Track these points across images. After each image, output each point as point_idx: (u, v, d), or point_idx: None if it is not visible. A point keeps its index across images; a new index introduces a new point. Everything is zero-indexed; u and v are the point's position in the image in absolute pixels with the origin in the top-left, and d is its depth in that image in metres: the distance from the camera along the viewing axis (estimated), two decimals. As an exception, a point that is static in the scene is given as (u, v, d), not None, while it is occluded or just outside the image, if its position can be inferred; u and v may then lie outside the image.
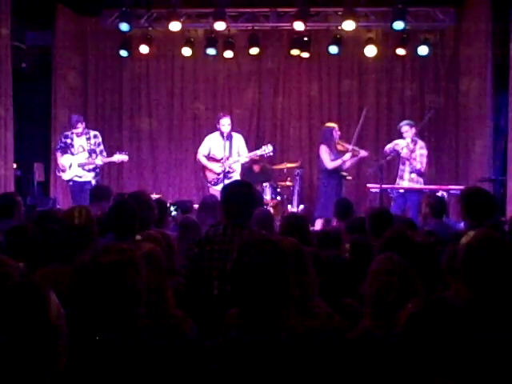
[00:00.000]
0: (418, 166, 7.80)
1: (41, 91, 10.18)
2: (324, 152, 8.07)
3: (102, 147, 8.27)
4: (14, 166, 8.72)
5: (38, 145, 10.15)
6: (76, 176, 8.16)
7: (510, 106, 8.03)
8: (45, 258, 3.35)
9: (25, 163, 9.72)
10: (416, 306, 1.91)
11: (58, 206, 8.85)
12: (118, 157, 8.26)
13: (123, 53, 9.92)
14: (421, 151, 7.87)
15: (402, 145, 7.87)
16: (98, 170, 8.33)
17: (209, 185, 8.49)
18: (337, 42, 9.67)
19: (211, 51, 9.96)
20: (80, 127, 8.15)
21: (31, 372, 1.52)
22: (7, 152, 8.26)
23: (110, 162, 8.64)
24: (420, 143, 7.93)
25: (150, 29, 9.95)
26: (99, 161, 8.19)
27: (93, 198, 6.12)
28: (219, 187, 7.94)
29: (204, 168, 8.50)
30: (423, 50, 9.57)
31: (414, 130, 7.93)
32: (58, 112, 10.06)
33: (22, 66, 9.71)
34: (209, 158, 8.38)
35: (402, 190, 7.94)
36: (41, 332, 1.55)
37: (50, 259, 3.28)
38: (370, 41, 9.72)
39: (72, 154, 8.19)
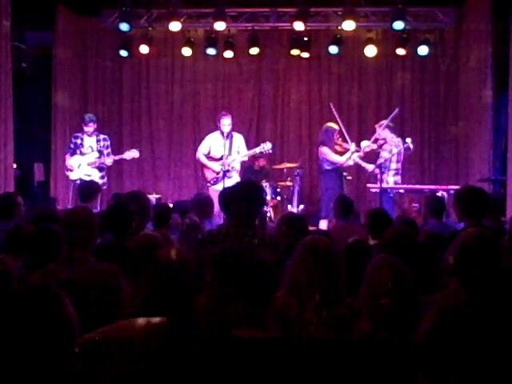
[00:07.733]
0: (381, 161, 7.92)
1: (41, 91, 10.17)
2: (329, 152, 8.08)
3: (109, 150, 8.45)
4: (14, 166, 8.70)
5: (38, 145, 10.13)
6: (85, 175, 8.26)
7: (510, 106, 8.01)
8: (44, 258, 3.35)
9: (25, 163, 9.70)
10: (430, 321, 1.86)
11: (58, 206, 8.83)
12: (129, 154, 8.44)
13: (123, 53, 9.92)
14: (382, 152, 8.02)
15: (363, 144, 8.14)
16: (104, 173, 8.44)
17: (208, 184, 8.48)
18: (337, 42, 9.67)
19: (211, 51, 9.96)
20: (91, 127, 8.36)
21: (52, 374, 1.52)
22: (7, 152, 8.24)
23: (120, 159, 8.73)
24: (386, 145, 7.99)
25: (150, 29, 9.94)
26: (109, 160, 8.36)
27: (85, 197, 5.98)
28: (218, 186, 7.95)
29: (203, 167, 8.51)
30: (423, 50, 9.56)
31: (379, 129, 8.04)
32: (58, 112, 10.06)
33: (22, 66, 9.68)
34: (208, 157, 8.40)
35: (401, 190, 7.94)
36: (60, 335, 1.54)
37: (50, 259, 3.27)
38: (369, 41, 9.72)
39: (81, 153, 8.37)
